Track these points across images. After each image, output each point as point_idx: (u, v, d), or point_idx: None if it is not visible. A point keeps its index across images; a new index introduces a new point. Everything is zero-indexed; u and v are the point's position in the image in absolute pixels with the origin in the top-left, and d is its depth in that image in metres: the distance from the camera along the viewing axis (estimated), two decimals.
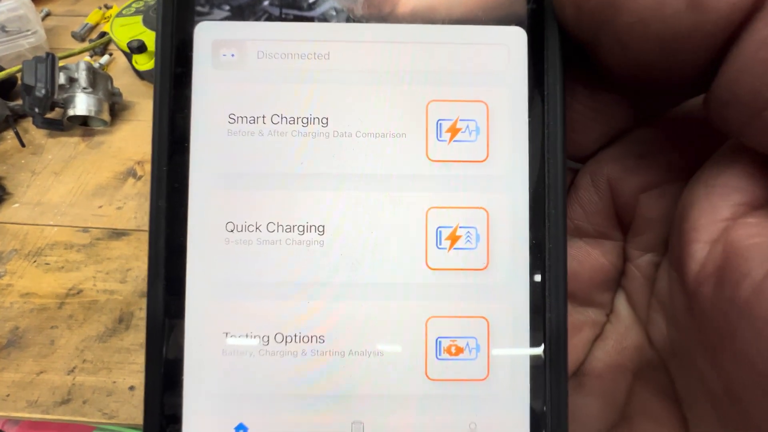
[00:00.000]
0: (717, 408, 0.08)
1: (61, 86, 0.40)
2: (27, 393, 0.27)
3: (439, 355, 0.10)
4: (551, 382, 0.10)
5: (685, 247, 0.09)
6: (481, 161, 0.11)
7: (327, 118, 0.10)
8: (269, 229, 0.10)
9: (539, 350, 0.10)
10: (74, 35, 0.52)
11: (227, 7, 0.10)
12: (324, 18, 0.10)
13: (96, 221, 0.37)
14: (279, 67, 0.10)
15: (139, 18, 0.46)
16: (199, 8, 0.10)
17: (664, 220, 0.10)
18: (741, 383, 0.07)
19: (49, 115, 0.41)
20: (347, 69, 0.10)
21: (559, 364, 0.10)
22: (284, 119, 0.10)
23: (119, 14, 0.47)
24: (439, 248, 0.11)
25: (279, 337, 0.10)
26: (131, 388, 0.27)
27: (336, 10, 0.10)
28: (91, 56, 0.50)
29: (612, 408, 0.11)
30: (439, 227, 0.11)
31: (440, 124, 0.11)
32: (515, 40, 0.10)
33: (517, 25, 0.10)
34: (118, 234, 0.36)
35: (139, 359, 0.29)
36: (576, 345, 0.11)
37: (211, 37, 0.10)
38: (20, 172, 0.40)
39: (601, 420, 0.11)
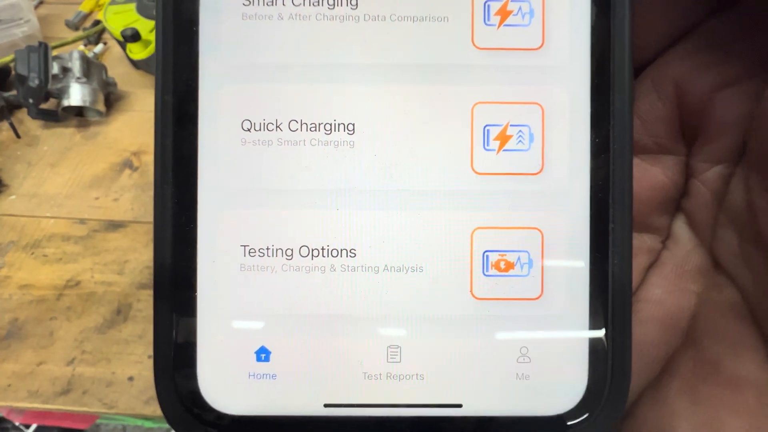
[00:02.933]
0: None
1: (55, 76, 0.39)
2: (27, 383, 0.27)
3: (487, 271, 0.09)
4: (614, 303, 0.09)
5: None
6: (536, 48, 0.09)
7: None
8: (291, 128, 0.09)
9: (600, 266, 0.09)
10: (68, 24, 0.52)
11: None
12: None
13: (93, 213, 0.37)
14: None
15: (133, 6, 0.46)
16: None
17: (741, 123, 0.09)
18: None
19: (43, 106, 0.40)
20: None
21: (624, 282, 0.09)
22: (307, 0, 0.09)
23: (113, 2, 0.46)
24: (486, 150, 0.09)
25: (304, 251, 0.09)
26: (130, 378, 0.28)
27: None
28: (85, 45, 0.50)
29: (674, 333, 0.10)
30: (487, 126, 0.09)
31: (488, 5, 0.09)
32: None
33: None
34: (115, 225, 0.36)
35: (138, 350, 0.29)
36: None
37: None
38: (16, 163, 0.40)
39: (661, 346, 0.10)
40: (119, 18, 0.45)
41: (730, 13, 0.09)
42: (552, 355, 0.09)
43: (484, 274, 0.09)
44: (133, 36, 0.42)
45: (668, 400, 0.09)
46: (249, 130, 0.09)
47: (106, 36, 0.54)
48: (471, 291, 0.09)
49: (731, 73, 0.09)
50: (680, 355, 0.10)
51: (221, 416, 0.09)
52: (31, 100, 0.39)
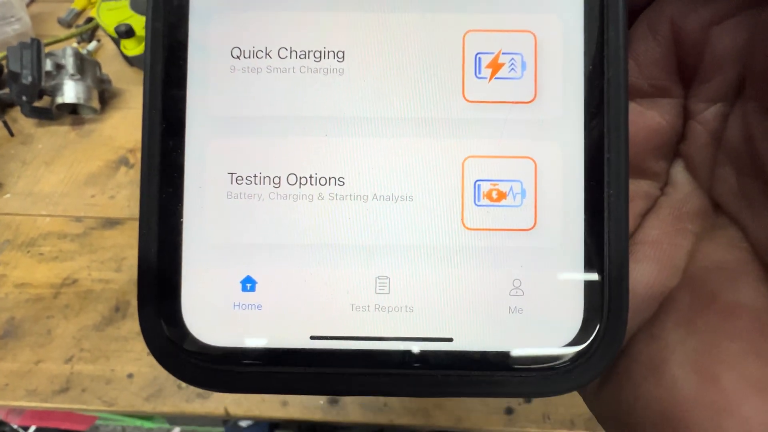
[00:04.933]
0: None
1: (48, 73, 0.39)
2: (25, 382, 0.27)
3: (478, 200, 0.09)
4: (610, 235, 0.09)
5: None
6: None
7: None
8: (281, 55, 0.09)
9: (596, 196, 0.09)
10: (60, 21, 0.51)
11: None
12: None
13: (89, 210, 0.36)
14: None
15: (126, 2, 0.45)
16: None
17: (739, 57, 0.09)
18: None
19: (37, 104, 0.40)
20: None
21: (620, 213, 0.08)
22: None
23: None
24: (478, 78, 0.09)
25: (292, 179, 0.09)
26: (130, 375, 0.27)
27: None
28: (79, 43, 0.49)
29: (670, 272, 0.10)
30: (479, 53, 0.09)
31: None
32: None
33: None
34: (111, 223, 0.35)
35: (137, 347, 0.29)
36: None
37: None
38: (10, 162, 0.39)
39: (657, 285, 0.10)
40: (113, 14, 0.44)
41: None
42: (546, 288, 0.09)
43: (476, 204, 0.09)
44: (126, 32, 0.41)
45: (663, 333, 0.09)
46: (239, 57, 0.09)
47: (99, 33, 0.54)
48: (462, 221, 0.09)
49: (727, 6, 0.09)
50: (677, 292, 0.10)
51: (205, 347, 0.09)
52: (24, 98, 0.38)
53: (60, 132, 0.43)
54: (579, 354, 0.09)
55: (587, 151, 0.09)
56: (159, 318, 0.09)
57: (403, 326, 0.09)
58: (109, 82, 0.45)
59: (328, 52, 0.09)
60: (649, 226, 0.10)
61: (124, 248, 0.34)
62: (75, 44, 0.49)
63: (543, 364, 0.09)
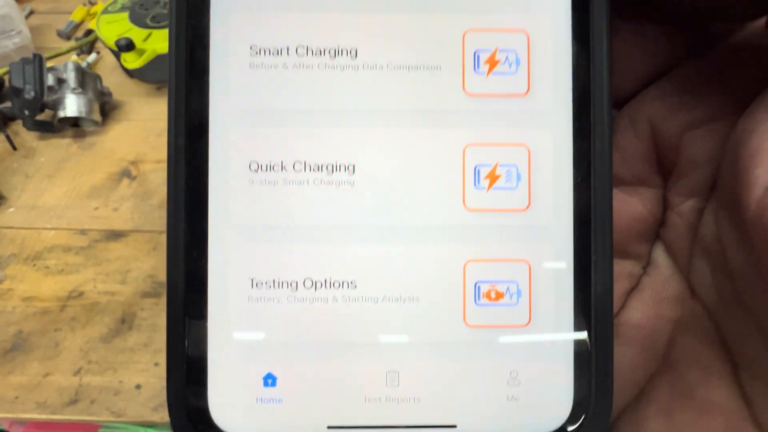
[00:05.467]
0: None
1: (50, 87, 0.39)
2: (35, 395, 0.27)
3: (478, 300, 0.10)
4: (596, 328, 0.10)
5: (743, 174, 0.08)
6: (522, 95, 0.10)
7: (356, 50, 0.10)
8: (296, 169, 0.10)
9: (584, 294, 0.10)
10: (59, 33, 0.51)
11: None
12: None
13: (93, 223, 0.37)
14: None
15: (126, 14, 0.46)
16: None
17: (711, 161, 0.10)
18: None
19: (39, 117, 0.40)
20: None
21: (605, 310, 0.10)
22: (310, 50, 0.10)
23: (105, 11, 0.46)
24: (477, 188, 0.10)
25: (308, 283, 0.10)
26: (138, 386, 0.28)
27: None
28: (78, 55, 0.50)
29: (652, 356, 0.10)
30: (478, 166, 0.10)
31: (478, 55, 0.10)
32: None
33: None
34: (116, 235, 0.36)
35: (144, 358, 0.29)
36: None
37: None
38: (13, 175, 0.40)
39: (639, 369, 0.10)
40: (112, 27, 0.45)
41: (701, 58, 0.10)
42: (539, 378, 0.10)
43: (476, 304, 0.10)
44: (127, 46, 0.42)
45: (645, 422, 0.10)
46: (257, 170, 0.10)
47: (98, 45, 0.54)
48: (464, 319, 0.10)
49: (701, 115, 0.10)
50: (657, 379, 0.10)
51: None
52: (26, 112, 0.39)
53: (62, 145, 0.43)
54: None
55: (576, 254, 0.10)
56: (187, 413, 0.10)
57: (411, 415, 0.10)
58: (109, 94, 0.45)
59: (340, 165, 0.10)
60: (633, 308, 0.11)
61: (129, 260, 0.34)
62: (75, 56, 0.49)
63: None
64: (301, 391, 0.10)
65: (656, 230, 0.11)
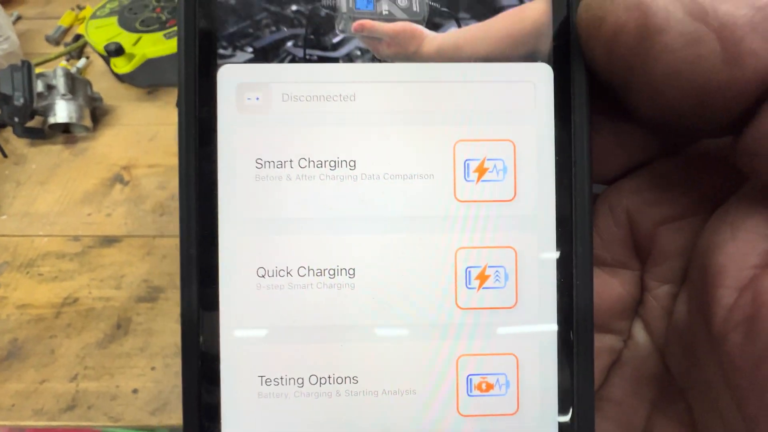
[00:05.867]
0: None
1: (40, 94, 0.39)
2: (31, 402, 0.28)
3: (470, 392, 0.11)
4: (578, 421, 0.10)
5: (710, 290, 0.08)
6: (509, 201, 0.11)
7: (355, 161, 0.11)
8: (300, 273, 0.11)
9: (566, 384, 0.11)
10: (48, 39, 0.51)
11: (250, 49, 0.10)
12: (349, 59, 0.11)
13: (86, 229, 0.37)
14: (305, 110, 0.11)
15: (115, 19, 0.46)
16: (221, 51, 0.10)
17: (683, 253, 0.10)
18: None
19: (29, 124, 0.40)
20: (373, 110, 0.11)
21: (587, 401, 0.10)
22: (311, 162, 0.11)
23: (93, 16, 0.46)
24: (468, 288, 0.11)
25: (313, 379, 0.11)
26: (134, 391, 0.28)
27: (360, 50, 0.11)
28: (67, 60, 0.50)
29: None
30: (468, 267, 0.11)
31: (467, 164, 0.11)
32: (541, 77, 0.11)
33: (543, 61, 0.11)
34: (109, 241, 0.36)
35: (141, 363, 0.29)
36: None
37: (235, 80, 0.10)
38: (4, 183, 0.39)
39: None
40: (101, 32, 0.45)
41: (676, 157, 0.11)
42: None
43: (468, 395, 0.11)
44: (116, 50, 0.42)
45: None
46: (263, 276, 0.11)
47: (88, 50, 0.54)
48: (458, 409, 0.11)
49: (673, 212, 0.10)
50: None
51: None
52: (16, 119, 0.39)
53: (53, 151, 0.43)
54: None
55: (559, 349, 0.11)
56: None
57: None
58: (100, 99, 0.45)
59: (341, 269, 0.11)
60: (613, 384, 0.11)
61: (123, 266, 0.34)
62: (64, 62, 0.49)
63: None
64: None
65: (636, 308, 0.12)
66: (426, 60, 0.10)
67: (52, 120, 0.40)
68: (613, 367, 0.12)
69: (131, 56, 0.43)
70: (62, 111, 0.40)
